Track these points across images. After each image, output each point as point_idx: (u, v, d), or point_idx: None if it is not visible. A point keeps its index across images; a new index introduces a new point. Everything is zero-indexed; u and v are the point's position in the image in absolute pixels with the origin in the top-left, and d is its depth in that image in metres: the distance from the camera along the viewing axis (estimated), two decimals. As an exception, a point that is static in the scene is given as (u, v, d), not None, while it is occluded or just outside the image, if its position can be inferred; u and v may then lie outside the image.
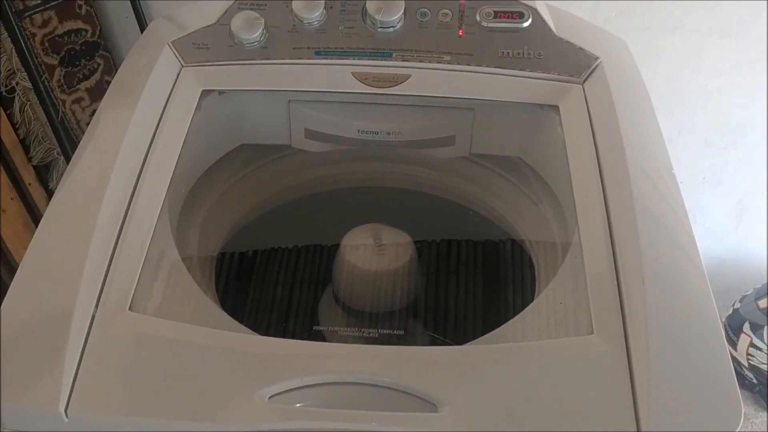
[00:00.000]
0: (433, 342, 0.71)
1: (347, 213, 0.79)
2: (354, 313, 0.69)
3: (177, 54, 0.72)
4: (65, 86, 1.21)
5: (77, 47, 1.20)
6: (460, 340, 0.69)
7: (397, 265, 0.68)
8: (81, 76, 1.23)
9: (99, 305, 0.53)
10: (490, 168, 0.79)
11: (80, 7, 1.19)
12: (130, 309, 0.53)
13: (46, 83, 1.15)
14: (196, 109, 0.69)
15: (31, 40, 1.13)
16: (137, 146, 0.64)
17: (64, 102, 1.21)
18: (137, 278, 0.55)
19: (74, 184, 0.61)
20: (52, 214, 0.60)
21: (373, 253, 0.68)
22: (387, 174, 0.82)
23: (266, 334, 0.54)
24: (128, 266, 0.56)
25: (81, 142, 0.66)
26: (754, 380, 1.35)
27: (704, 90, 1.23)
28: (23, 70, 1.11)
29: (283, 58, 0.72)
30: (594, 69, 0.71)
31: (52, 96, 1.16)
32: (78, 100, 1.24)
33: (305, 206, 0.81)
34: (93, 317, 0.52)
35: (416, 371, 0.49)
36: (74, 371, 0.49)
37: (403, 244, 0.70)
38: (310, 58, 0.72)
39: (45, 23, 1.15)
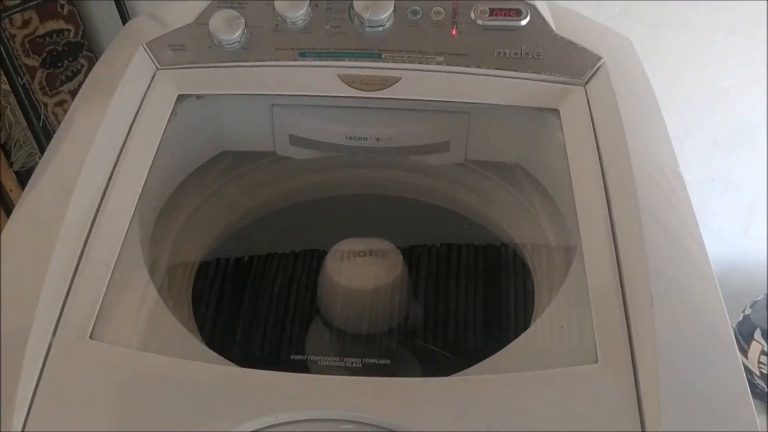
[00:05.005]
0: (430, 355, 0.67)
1: (335, 223, 0.75)
2: (341, 334, 0.64)
3: (152, 56, 0.68)
4: (47, 88, 1.17)
5: (59, 48, 1.17)
6: (459, 351, 0.66)
7: (385, 282, 0.63)
8: (63, 78, 1.19)
9: (57, 332, 0.48)
10: (486, 175, 0.75)
11: (62, 6, 1.15)
12: (91, 337, 0.49)
13: (27, 86, 1.12)
14: (171, 114, 0.65)
15: (10, 41, 1.10)
16: (105, 156, 0.60)
17: (46, 105, 1.18)
18: (100, 302, 0.51)
19: (36, 196, 0.57)
20: (12, 228, 0.55)
21: (358, 270, 0.63)
22: (377, 182, 0.78)
23: (244, 361, 0.50)
24: (91, 288, 0.51)
25: (47, 150, 0.62)
26: (766, 389, 1.30)
27: (712, 89, 1.19)
28: (2, 72, 1.07)
29: (265, 60, 0.68)
30: (597, 69, 0.67)
31: (34, 99, 1.13)
32: (60, 103, 1.20)
33: (289, 217, 0.76)
34: (50, 345, 0.48)
35: (401, 406, 0.44)
36: (27, 405, 0.45)
37: (392, 259, 0.65)
38: (294, 60, 0.68)
39: (25, 23, 1.11)
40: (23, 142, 1.18)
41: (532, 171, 0.72)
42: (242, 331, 0.66)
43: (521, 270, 0.68)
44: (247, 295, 0.69)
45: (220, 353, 0.52)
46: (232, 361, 0.50)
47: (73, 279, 0.52)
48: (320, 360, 0.57)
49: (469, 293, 0.71)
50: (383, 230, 0.71)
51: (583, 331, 0.50)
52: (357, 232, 0.70)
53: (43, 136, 1.13)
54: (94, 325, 0.49)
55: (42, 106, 1.16)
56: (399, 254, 0.66)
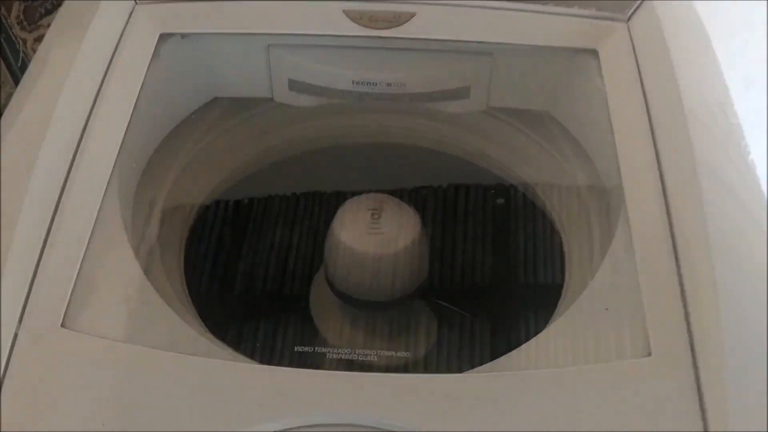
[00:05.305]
0: (446, 315, 0.62)
1: (342, 177, 0.68)
2: (352, 301, 0.58)
3: (129, -12, 0.61)
4: (25, 23, 1.10)
5: (36, -22, 1.08)
6: (476, 309, 0.62)
7: (402, 246, 0.56)
8: (43, 11, 1.11)
9: (23, 320, 0.43)
10: (512, 124, 0.68)
11: (37, -70, 1.06)
12: (62, 325, 0.43)
13: (4, 20, 1.05)
14: (153, 56, 0.58)
15: (-18, -30, 1.01)
16: (76, 106, 0.53)
17: (24, 41, 1.10)
18: (73, 282, 0.45)
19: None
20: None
21: (370, 233, 0.56)
22: (387, 130, 0.71)
23: (241, 348, 0.44)
24: (62, 266, 0.45)
25: (11, 100, 0.55)
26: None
27: (747, 20, 1.11)
28: (-27, 5, 1.00)
29: (259, -7, 0.61)
30: (641, 3, 0.61)
31: (11, 34, 1.06)
32: (40, 38, 1.11)
33: (290, 172, 0.69)
34: (15, 336, 0.42)
35: (418, 410, 0.39)
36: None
37: (409, 220, 0.58)
38: (292, -7, 0.61)
39: (-3, -50, 1.03)
40: (2, 81, 1.11)
41: (563, 120, 0.65)
42: (243, 305, 0.61)
43: (552, 233, 0.62)
44: (248, 260, 0.64)
45: (219, 333, 0.48)
46: (233, 340, 0.45)
47: (41, 255, 0.46)
48: (330, 352, 0.51)
49: (491, 249, 0.67)
50: (394, 182, 0.66)
51: (631, 315, 0.44)
52: (364, 186, 0.64)
53: (21, 75, 1.06)
54: (66, 310, 0.44)
55: (20, 43, 1.09)
56: (415, 213, 0.59)
